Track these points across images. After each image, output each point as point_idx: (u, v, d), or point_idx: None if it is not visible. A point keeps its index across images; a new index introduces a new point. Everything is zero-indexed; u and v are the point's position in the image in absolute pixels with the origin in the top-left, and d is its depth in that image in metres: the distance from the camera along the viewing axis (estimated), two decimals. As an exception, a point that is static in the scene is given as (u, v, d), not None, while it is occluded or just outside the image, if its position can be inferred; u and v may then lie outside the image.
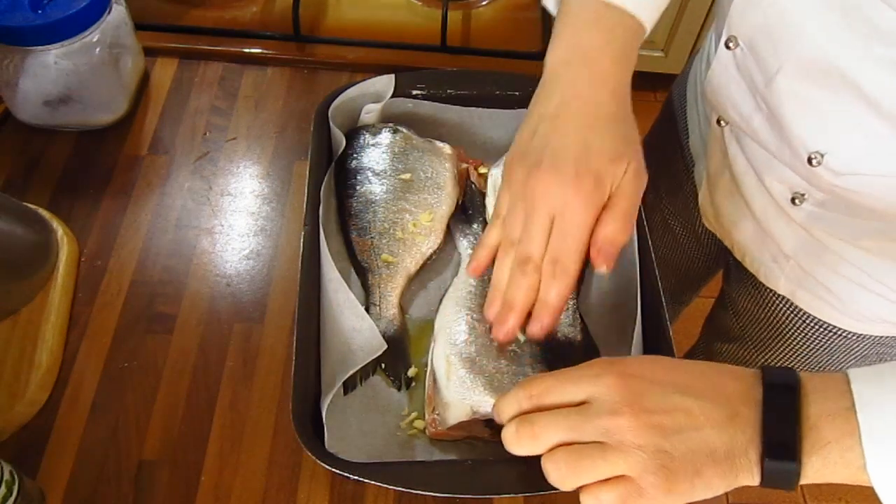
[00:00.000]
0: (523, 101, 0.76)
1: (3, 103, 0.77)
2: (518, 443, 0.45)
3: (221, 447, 0.60)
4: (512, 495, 0.57)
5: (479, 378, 0.58)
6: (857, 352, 0.76)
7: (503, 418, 0.48)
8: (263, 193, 0.75)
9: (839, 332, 0.75)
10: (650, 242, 0.65)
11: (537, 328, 0.55)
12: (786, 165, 0.62)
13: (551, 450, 0.44)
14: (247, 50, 0.86)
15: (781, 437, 0.41)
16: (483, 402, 0.57)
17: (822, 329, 0.76)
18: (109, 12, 0.73)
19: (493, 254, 0.57)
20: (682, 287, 1.01)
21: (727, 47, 0.62)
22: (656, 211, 0.93)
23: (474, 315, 0.62)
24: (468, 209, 0.72)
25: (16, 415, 0.59)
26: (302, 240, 0.64)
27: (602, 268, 0.54)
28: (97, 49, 0.73)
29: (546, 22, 0.92)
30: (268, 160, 0.77)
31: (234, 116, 0.81)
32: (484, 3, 0.95)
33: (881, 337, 0.74)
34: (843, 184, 0.58)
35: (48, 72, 0.71)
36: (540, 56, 0.88)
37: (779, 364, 0.85)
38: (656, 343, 0.61)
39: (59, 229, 0.68)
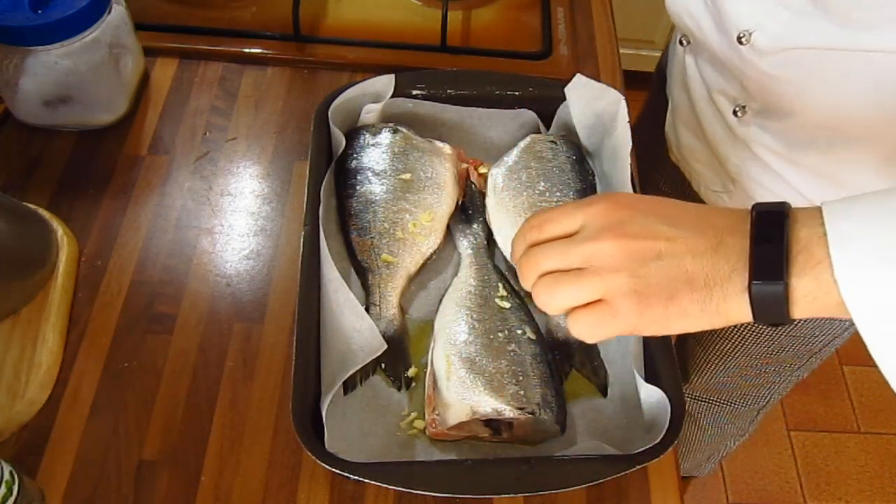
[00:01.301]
0: (523, 101, 0.76)
1: (3, 103, 0.77)
2: (524, 276, 0.46)
3: (221, 447, 0.60)
4: (512, 495, 0.57)
5: (479, 378, 0.58)
6: None
7: (516, 255, 0.48)
8: (263, 193, 0.75)
9: None
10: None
11: None
12: (724, 63, 0.66)
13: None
14: (247, 50, 0.86)
15: (768, 259, 0.40)
16: (483, 402, 0.57)
17: None
18: (109, 12, 0.73)
19: None
20: None
21: None
22: (649, 183, 0.95)
23: (474, 315, 0.62)
24: (468, 209, 0.72)
25: (16, 415, 0.59)
26: (302, 240, 0.64)
27: None
28: (97, 49, 0.73)
29: (546, 22, 0.92)
30: (268, 160, 0.77)
31: (234, 116, 0.81)
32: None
33: None
34: (769, 69, 0.61)
35: (48, 72, 0.71)
36: (540, 56, 0.89)
37: (742, 326, 0.88)
38: (656, 341, 0.61)
39: (59, 229, 0.68)
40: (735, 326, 0.88)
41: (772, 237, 0.40)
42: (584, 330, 0.45)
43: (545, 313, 0.66)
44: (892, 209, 0.38)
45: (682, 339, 1.02)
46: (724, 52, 0.65)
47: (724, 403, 1.06)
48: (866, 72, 0.56)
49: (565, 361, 0.63)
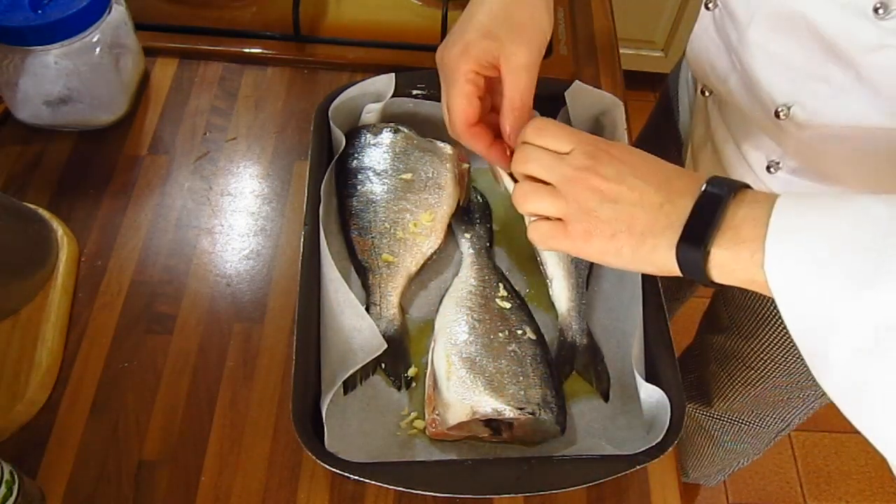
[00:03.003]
0: (523, 101, 0.76)
1: (3, 103, 0.77)
2: (515, 164, 0.53)
3: (221, 447, 0.60)
4: (512, 495, 0.57)
5: (480, 378, 0.58)
6: None
7: (511, 137, 0.56)
8: (263, 193, 0.75)
9: None
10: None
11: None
12: (759, 126, 0.65)
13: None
14: (247, 50, 0.86)
15: (698, 226, 0.45)
16: (483, 402, 0.57)
17: None
18: (109, 12, 0.73)
19: None
20: (677, 281, 1.01)
21: (707, 8, 0.66)
22: None
23: (474, 315, 0.62)
24: (469, 209, 0.72)
25: (16, 415, 0.59)
26: (302, 240, 0.64)
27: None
28: (97, 49, 0.73)
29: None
30: (268, 160, 0.77)
31: (234, 116, 0.81)
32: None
33: None
34: (809, 139, 0.60)
35: (48, 72, 0.71)
36: (540, 56, 0.89)
37: (766, 353, 0.86)
38: (657, 343, 0.61)
39: (59, 229, 0.68)
40: (761, 357, 0.87)
41: (709, 208, 0.45)
42: (538, 237, 0.52)
43: (554, 313, 0.66)
44: (836, 216, 0.41)
45: (705, 362, 1.01)
46: (758, 118, 0.63)
47: (743, 423, 1.04)
48: None
49: (567, 363, 0.63)
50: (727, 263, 0.44)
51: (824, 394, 0.94)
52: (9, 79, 0.72)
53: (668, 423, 0.55)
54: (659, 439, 0.55)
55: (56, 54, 0.70)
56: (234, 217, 0.73)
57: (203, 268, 0.69)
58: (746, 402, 0.98)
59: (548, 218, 0.52)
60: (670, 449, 0.55)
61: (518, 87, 0.56)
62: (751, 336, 0.86)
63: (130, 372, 0.63)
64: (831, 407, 1.52)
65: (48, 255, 0.66)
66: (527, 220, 0.59)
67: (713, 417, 1.06)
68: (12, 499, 0.50)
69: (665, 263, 0.47)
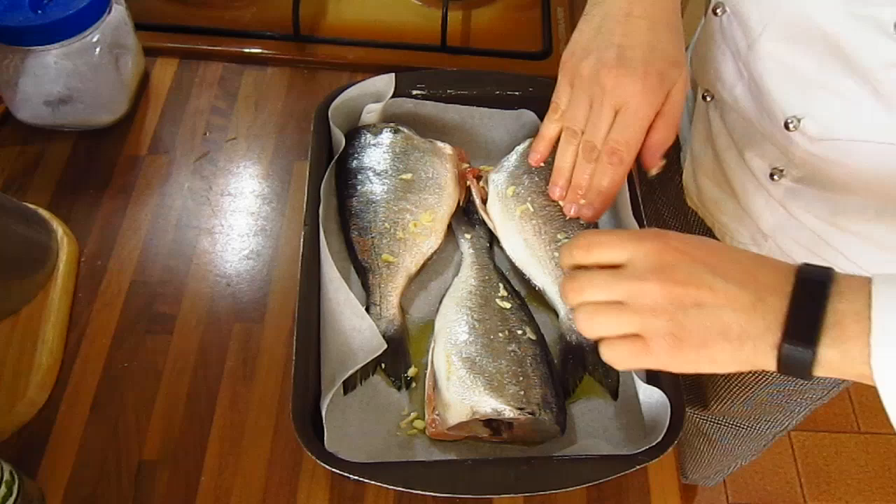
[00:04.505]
0: (523, 101, 0.76)
1: (3, 103, 0.77)
2: (567, 296, 0.49)
3: (221, 447, 0.60)
4: (512, 495, 0.57)
5: (480, 378, 0.58)
6: None
7: (564, 267, 0.51)
8: (263, 193, 0.75)
9: None
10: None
11: (590, 212, 0.62)
12: (765, 135, 0.63)
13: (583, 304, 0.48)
14: (247, 50, 0.86)
15: (802, 325, 0.42)
16: (483, 403, 0.57)
17: None
18: (109, 12, 0.73)
19: (552, 144, 0.63)
20: None
21: (714, 13, 0.64)
22: (649, 203, 0.93)
23: (475, 315, 0.62)
24: (469, 209, 0.72)
25: (16, 415, 0.59)
26: (302, 240, 0.64)
27: (652, 170, 0.60)
28: (97, 49, 0.73)
29: (546, 22, 0.92)
30: (268, 160, 0.77)
31: (234, 116, 0.81)
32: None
33: None
34: (818, 152, 0.59)
35: (48, 72, 0.71)
36: (540, 56, 0.89)
37: None
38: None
39: (59, 229, 0.68)
40: None
41: (810, 305, 0.42)
42: (616, 359, 0.47)
43: (554, 313, 0.66)
44: None
45: None
46: (766, 128, 0.62)
47: (740, 427, 1.04)
48: None
49: (578, 365, 0.63)
50: (835, 362, 0.41)
51: (821, 397, 0.93)
52: (9, 79, 0.72)
53: (667, 423, 0.55)
54: (659, 439, 0.55)
55: (56, 54, 0.70)
56: (234, 217, 0.73)
57: (203, 268, 0.69)
58: (743, 406, 0.97)
59: (623, 337, 0.46)
60: (670, 449, 0.55)
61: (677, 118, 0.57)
62: None
63: (130, 372, 0.63)
64: (831, 407, 1.54)
65: (48, 254, 0.66)
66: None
67: (710, 421, 1.06)
68: (12, 499, 0.50)
69: (764, 364, 0.43)
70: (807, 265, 0.44)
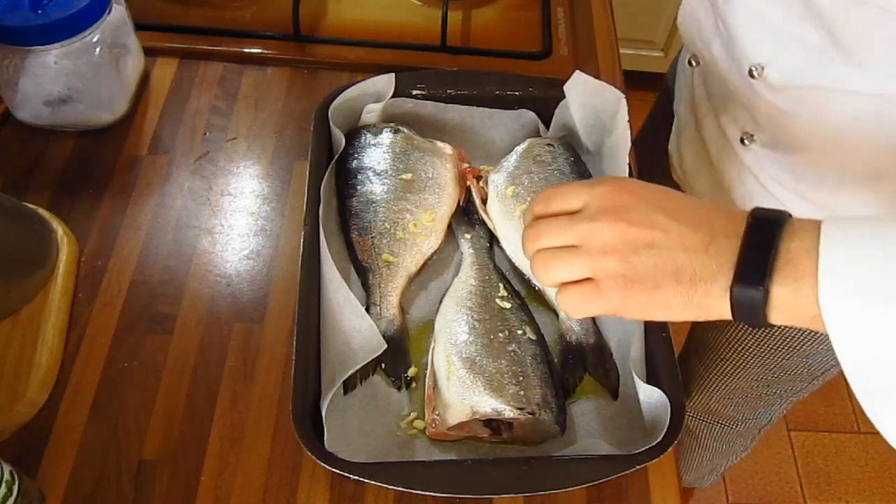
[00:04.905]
0: (523, 102, 0.76)
1: (3, 103, 0.76)
2: (525, 247, 0.48)
3: (221, 447, 0.60)
4: (512, 495, 0.57)
5: (480, 378, 0.58)
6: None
7: (525, 223, 0.50)
8: (263, 193, 0.75)
9: None
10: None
11: None
12: (735, 92, 0.64)
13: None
14: (247, 50, 0.86)
15: (753, 264, 0.41)
16: (483, 403, 0.57)
17: None
18: (109, 12, 0.73)
19: None
20: None
21: None
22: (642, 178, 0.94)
23: (475, 315, 0.62)
24: (469, 209, 0.72)
25: (16, 415, 0.59)
26: (302, 240, 0.64)
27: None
28: (97, 49, 0.72)
29: (546, 22, 0.92)
30: (268, 160, 0.77)
31: (234, 116, 0.81)
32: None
33: None
34: (780, 103, 0.59)
35: (48, 72, 0.71)
36: (540, 56, 0.89)
37: (739, 343, 0.86)
38: (657, 343, 0.61)
39: (59, 229, 0.68)
40: (737, 348, 0.88)
41: (762, 244, 0.41)
42: (569, 305, 0.46)
43: (554, 313, 0.66)
44: (887, 242, 0.39)
45: (684, 356, 1.02)
46: (734, 82, 0.64)
47: (725, 424, 1.05)
48: (878, 116, 0.55)
49: (578, 365, 0.63)
50: (788, 301, 0.40)
51: (802, 389, 0.95)
52: (9, 79, 0.72)
53: (667, 423, 0.55)
54: (659, 439, 0.55)
55: (56, 54, 0.70)
56: (234, 217, 0.73)
57: (203, 268, 0.69)
58: (724, 397, 0.98)
59: (577, 282, 0.46)
60: (670, 449, 0.55)
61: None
62: (725, 326, 0.86)
63: (130, 372, 0.63)
64: (831, 407, 1.54)
65: (48, 255, 0.66)
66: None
67: (695, 418, 1.07)
68: (12, 499, 0.50)
69: (718, 308, 0.43)
70: (760, 208, 0.43)
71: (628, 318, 0.46)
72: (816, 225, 0.41)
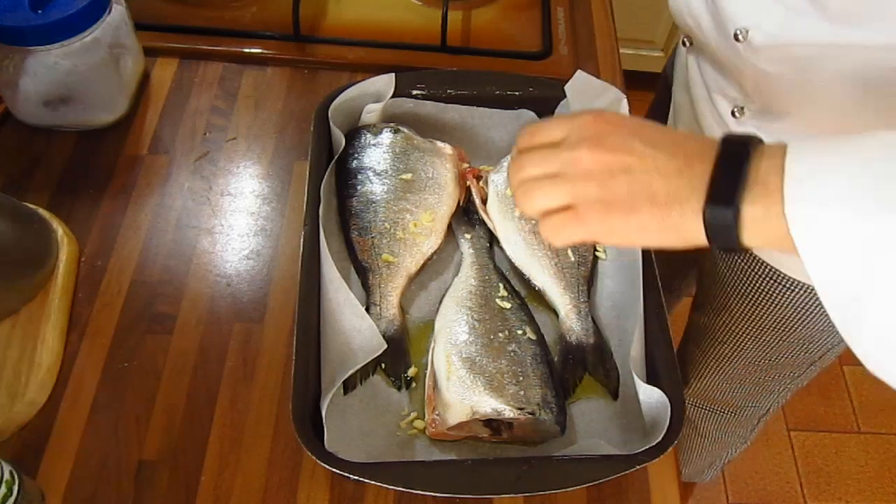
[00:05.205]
0: (523, 102, 0.76)
1: (3, 103, 0.77)
2: (510, 176, 0.51)
3: (221, 447, 0.60)
4: (512, 495, 0.57)
5: (480, 378, 0.58)
6: (800, 305, 0.78)
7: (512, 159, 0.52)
8: (263, 193, 0.75)
9: (783, 282, 0.76)
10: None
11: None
12: (723, 63, 0.66)
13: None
14: (247, 50, 0.86)
15: (724, 184, 0.42)
16: (483, 403, 0.57)
17: (769, 280, 0.77)
18: (109, 12, 0.73)
19: None
20: (671, 270, 1.02)
21: None
22: None
23: (475, 315, 0.62)
24: (469, 209, 0.72)
25: (16, 415, 0.59)
26: (302, 240, 0.64)
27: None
28: (97, 49, 0.72)
29: (546, 22, 0.92)
30: (268, 160, 0.77)
31: (234, 116, 0.81)
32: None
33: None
34: (766, 64, 0.61)
35: (48, 72, 0.71)
36: (540, 56, 0.89)
37: (736, 326, 0.87)
38: (657, 343, 0.61)
39: (59, 229, 0.68)
40: (732, 330, 0.88)
41: (733, 166, 0.43)
42: (551, 232, 0.48)
43: (554, 313, 0.66)
44: (848, 154, 0.40)
45: (682, 345, 1.02)
46: (723, 51, 0.66)
47: (724, 412, 1.06)
48: (860, 68, 0.57)
49: (578, 365, 0.63)
50: (759, 219, 0.42)
51: (799, 375, 0.95)
52: (9, 79, 0.72)
53: (667, 423, 0.55)
54: (659, 439, 0.55)
55: (56, 54, 0.70)
56: (234, 217, 0.73)
57: (203, 268, 0.69)
58: (722, 382, 0.99)
59: (558, 211, 0.48)
60: (670, 449, 0.55)
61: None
62: (721, 310, 0.87)
63: (130, 372, 0.63)
64: (831, 407, 1.54)
65: (48, 255, 0.66)
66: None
67: (694, 405, 1.07)
68: (12, 499, 0.50)
69: (693, 231, 0.44)
70: (731, 134, 0.45)
71: (607, 244, 0.48)
72: (784, 147, 0.42)
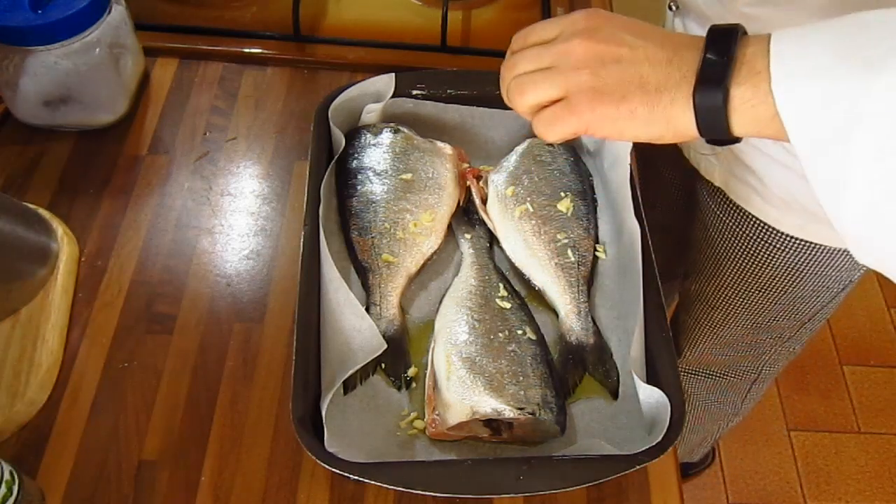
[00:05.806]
0: (523, 101, 0.76)
1: (3, 103, 0.77)
2: (503, 75, 0.51)
3: (221, 447, 0.60)
4: (512, 495, 0.57)
5: (480, 378, 0.58)
6: (790, 265, 0.79)
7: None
8: (263, 193, 0.75)
9: (774, 242, 0.77)
10: (650, 241, 0.66)
11: None
12: (708, 11, 0.67)
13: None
14: (247, 50, 0.86)
15: (712, 69, 0.44)
16: (483, 402, 0.57)
17: (760, 241, 0.78)
18: (109, 12, 0.73)
19: None
20: (669, 266, 1.04)
21: None
22: (649, 164, 0.96)
23: (474, 315, 0.62)
24: (469, 209, 0.72)
25: (16, 415, 0.59)
26: (302, 240, 0.64)
27: None
28: (97, 49, 0.73)
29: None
30: (268, 160, 0.77)
31: (234, 116, 0.81)
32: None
33: (807, 244, 0.76)
34: (749, 8, 0.62)
35: (48, 72, 0.71)
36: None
37: (728, 290, 0.88)
38: (657, 342, 0.61)
39: (59, 229, 0.68)
40: (723, 295, 0.89)
41: (720, 51, 0.44)
42: (544, 126, 0.49)
43: (554, 313, 0.66)
44: (829, 32, 0.41)
45: (674, 316, 1.03)
46: (710, 5, 0.67)
47: (716, 376, 1.06)
48: (842, 4, 0.56)
49: (578, 365, 0.63)
50: (748, 100, 0.43)
51: (790, 336, 0.97)
52: (9, 79, 0.72)
53: (667, 423, 0.55)
54: (659, 439, 0.55)
55: (56, 54, 0.70)
56: (234, 217, 0.73)
57: (203, 268, 0.69)
58: (715, 346, 0.99)
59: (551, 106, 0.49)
60: (670, 449, 0.55)
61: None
62: (712, 276, 0.88)
63: (130, 372, 0.63)
64: (831, 407, 1.54)
65: (48, 254, 0.66)
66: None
67: (687, 372, 1.07)
68: (12, 499, 0.50)
69: (683, 119, 0.45)
70: (717, 24, 0.46)
71: (599, 136, 0.49)
72: (769, 35, 0.43)
